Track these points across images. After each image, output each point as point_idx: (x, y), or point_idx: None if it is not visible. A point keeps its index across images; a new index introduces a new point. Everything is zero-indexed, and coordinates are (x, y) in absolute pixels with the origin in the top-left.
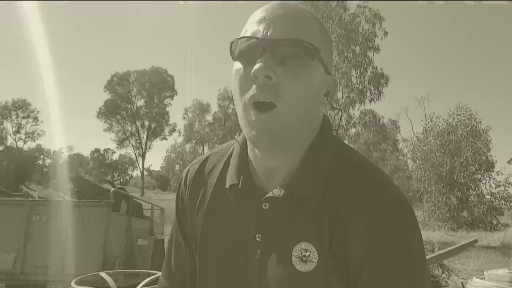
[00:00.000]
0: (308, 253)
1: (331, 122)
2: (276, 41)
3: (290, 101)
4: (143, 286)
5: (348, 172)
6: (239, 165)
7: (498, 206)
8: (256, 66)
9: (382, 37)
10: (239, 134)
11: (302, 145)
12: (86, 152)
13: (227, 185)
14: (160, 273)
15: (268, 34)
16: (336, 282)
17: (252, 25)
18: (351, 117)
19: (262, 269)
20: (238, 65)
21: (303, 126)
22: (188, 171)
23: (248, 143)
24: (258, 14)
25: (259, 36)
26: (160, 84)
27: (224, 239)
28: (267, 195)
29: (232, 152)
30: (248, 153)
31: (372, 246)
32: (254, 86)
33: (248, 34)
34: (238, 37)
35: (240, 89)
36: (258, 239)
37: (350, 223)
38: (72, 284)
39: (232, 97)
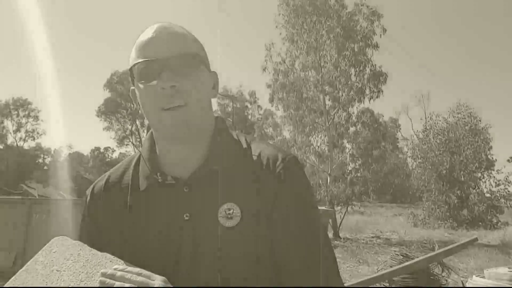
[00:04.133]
0: (231, 211)
1: (330, 118)
2: (170, 58)
3: (193, 100)
4: None
5: (251, 143)
6: (151, 167)
7: (498, 204)
8: (161, 80)
9: (380, 35)
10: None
11: (207, 130)
12: (86, 151)
13: (142, 188)
14: None
15: (161, 53)
16: (261, 228)
17: (143, 50)
18: (350, 115)
19: (196, 240)
20: (141, 85)
21: (204, 114)
22: (93, 187)
23: (160, 143)
24: (145, 38)
25: (156, 57)
26: None
27: (155, 231)
28: (186, 180)
29: (135, 161)
30: (159, 153)
31: (279, 189)
32: (162, 96)
33: (144, 58)
34: (135, 62)
35: (151, 103)
36: (187, 218)
37: (263, 175)
38: None
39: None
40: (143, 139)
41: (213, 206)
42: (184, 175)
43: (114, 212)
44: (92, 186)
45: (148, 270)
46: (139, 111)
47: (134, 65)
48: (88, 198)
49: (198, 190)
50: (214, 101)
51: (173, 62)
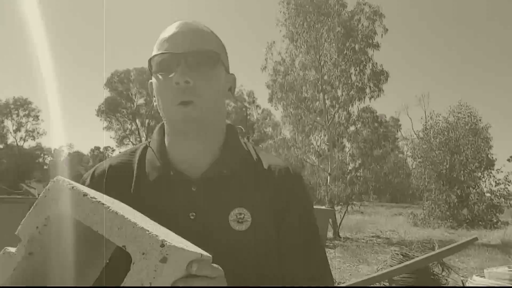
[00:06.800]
0: (242, 215)
1: (330, 117)
2: (188, 53)
3: (206, 97)
4: None
5: (258, 152)
6: (160, 159)
7: (498, 204)
8: (176, 74)
9: (382, 34)
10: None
11: (218, 131)
12: (86, 150)
13: (151, 178)
14: None
15: (181, 48)
16: (270, 235)
17: (164, 43)
18: (350, 115)
19: (199, 240)
20: (158, 77)
21: (216, 114)
22: (94, 171)
23: (171, 137)
24: (167, 33)
25: (174, 51)
26: None
27: (158, 223)
28: (195, 179)
29: (139, 150)
30: (168, 147)
31: (290, 199)
32: (176, 91)
33: (163, 51)
34: (155, 53)
35: (165, 95)
36: (192, 217)
37: (274, 186)
38: None
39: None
40: (143, 138)
41: (221, 209)
42: (193, 174)
43: (117, 196)
44: (92, 170)
45: None
46: (140, 110)
47: (153, 57)
48: (88, 181)
49: (206, 190)
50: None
51: (190, 58)
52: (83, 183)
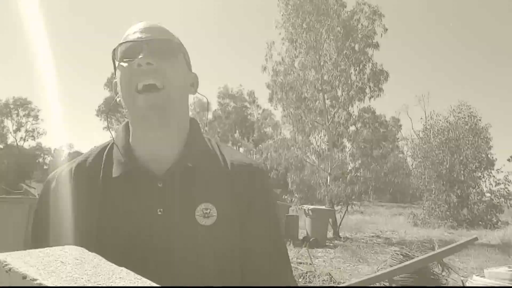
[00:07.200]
0: (208, 210)
1: (330, 117)
2: (151, 40)
3: (170, 81)
4: None
5: (222, 148)
6: (125, 155)
7: (498, 204)
8: (138, 58)
9: (381, 34)
10: (239, 132)
11: (182, 123)
12: (86, 150)
13: (116, 175)
14: None
15: (144, 37)
16: (234, 229)
17: (127, 37)
18: (350, 115)
19: (168, 235)
20: (122, 66)
21: (180, 103)
22: (59, 172)
23: (135, 131)
24: (133, 28)
25: (136, 40)
26: None
27: (126, 223)
28: (160, 175)
29: (107, 149)
30: (132, 142)
31: (254, 194)
32: (139, 73)
33: (126, 40)
34: (120, 42)
35: (127, 81)
36: (160, 213)
37: (238, 182)
38: None
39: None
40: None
41: (187, 204)
42: (158, 170)
43: (86, 196)
44: (55, 171)
45: (113, 262)
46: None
47: (117, 47)
48: (54, 183)
49: (172, 186)
50: (215, 101)
51: (152, 44)
52: (48, 185)
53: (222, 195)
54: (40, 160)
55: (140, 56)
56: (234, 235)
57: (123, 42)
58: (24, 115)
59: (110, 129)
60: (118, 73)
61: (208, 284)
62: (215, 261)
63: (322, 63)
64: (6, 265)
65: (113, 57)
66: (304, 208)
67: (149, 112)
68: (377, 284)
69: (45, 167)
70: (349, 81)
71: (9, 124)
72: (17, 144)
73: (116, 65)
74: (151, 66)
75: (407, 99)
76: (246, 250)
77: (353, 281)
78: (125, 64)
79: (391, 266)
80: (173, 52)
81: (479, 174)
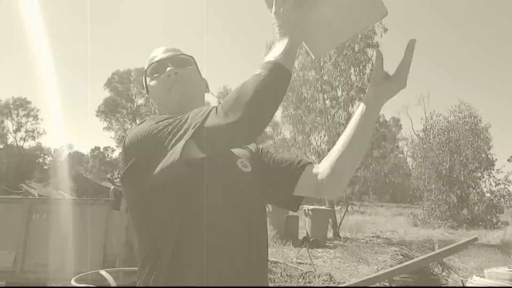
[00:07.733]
0: (244, 162)
1: (330, 117)
2: (172, 57)
3: (192, 82)
4: None
5: None
6: None
7: (498, 204)
8: (167, 70)
9: (381, 34)
10: None
11: None
12: (86, 150)
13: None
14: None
15: (166, 56)
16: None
17: (154, 58)
18: (350, 115)
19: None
20: (153, 80)
21: (199, 99)
22: None
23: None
24: (155, 52)
25: (162, 58)
26: None
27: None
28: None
29: None
30: None
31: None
32: (169, 81)
33: (153, 61)
34: (150, 63)
35: (162, 87)
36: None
37: (251, 148)
38: (72, 282)
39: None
40: None
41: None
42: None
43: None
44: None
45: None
46: (140, 111)
47: (149, 66)
48: None
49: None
50: (214, 101)
51: (174, 60)
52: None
53: (248, 155)
54: (40, 160)
55: (168, 69)
56: (260, 181)
57: (152, 63)
58: (24, 115)
59: (112, 129)
60: (152, 83)
61: (256, 217)
62: (255, 196)
63: (322, 63)
64: None
65: (145, 76)
66: (304, 208)
67: (182, 100)
68: (377, 284)
69: (45, 167)
70: (349, 81)
71: (9, 124)
72: (17, 144)
73: (148, 81)
74: (177, 75)
75: (407, 99)
76: (279, 159)
77: (353, 281)
78: (156, 80)
79: (391, 266)
80: (189, 63)
81: (479, 174)
